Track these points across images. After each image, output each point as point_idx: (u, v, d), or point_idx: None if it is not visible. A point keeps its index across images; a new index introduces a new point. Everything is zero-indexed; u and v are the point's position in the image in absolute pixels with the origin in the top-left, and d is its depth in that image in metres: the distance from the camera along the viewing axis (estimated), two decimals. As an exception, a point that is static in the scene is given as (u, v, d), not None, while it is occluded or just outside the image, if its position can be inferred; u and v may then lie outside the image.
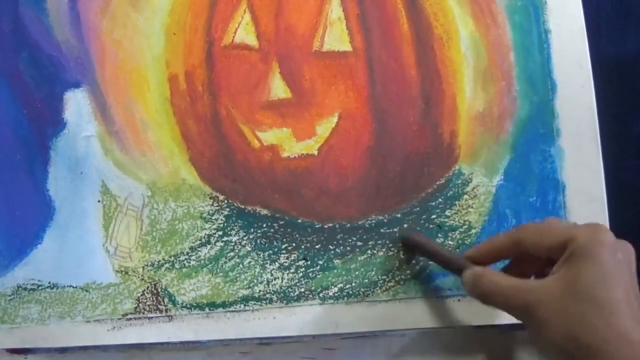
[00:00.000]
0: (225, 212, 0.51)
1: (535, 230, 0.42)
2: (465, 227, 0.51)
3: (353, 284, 0.51)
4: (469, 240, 0.51)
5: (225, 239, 0.51)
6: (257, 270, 0.51)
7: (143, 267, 0.51)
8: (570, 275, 0.38)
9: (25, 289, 0.52)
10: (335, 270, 0.51)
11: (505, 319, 0.50)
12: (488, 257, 0.45)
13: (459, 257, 0.46)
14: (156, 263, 0.51)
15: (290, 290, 0.51)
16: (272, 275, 0.51)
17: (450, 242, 0.51)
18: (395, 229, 0.51)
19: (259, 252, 0.51)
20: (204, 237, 0.51)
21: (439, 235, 0.51)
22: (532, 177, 0.51)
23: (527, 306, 0.39)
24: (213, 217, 0.51)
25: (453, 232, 0.51)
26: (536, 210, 0.51)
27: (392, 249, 0.51)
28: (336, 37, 0.52)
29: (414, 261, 0.51)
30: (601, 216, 0.50)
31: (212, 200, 0.51)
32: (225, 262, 0.51)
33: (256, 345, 0.51)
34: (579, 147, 0.50)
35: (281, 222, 0.51)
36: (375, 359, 0.52)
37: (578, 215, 0.50)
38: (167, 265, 0.51)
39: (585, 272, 0.38)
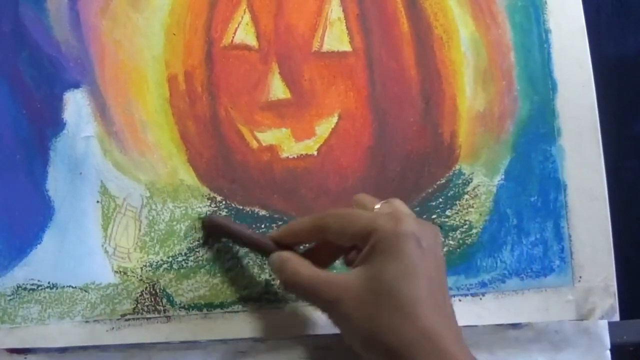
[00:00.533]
0: (224, 213, 0.51)
1: (340, 218, 0.40)
2: (466, 227, 0.51)
3: (352, 285, 0.50)
4: (470, 240, 0.51)
5: (223, 239, 0.51)
6: (255, 271, 0.51)
7: (142, 268, 0.51)
8: (371, 271, 0.37)
9: (24, 289, 0.52)
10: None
11: (507, 319, 0.50)
12: (291, 240, 0.43)
13: (264, 238, 0.45)
14: (154, 264, 0.51)
15: (288, 290, 0.50)
16: (270, 275, 0.50)
17: (451, 242, 0.51)
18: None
19: (258, 253, 0.51)
20: (202, 237, 0.51)
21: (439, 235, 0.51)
22: (533, 177, 0.51)
23: (329, 302, 0.37)
24: (212, 218, 0.51)
25: (454, 232, 0.51)
26: (537, 209, 0.50)
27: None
28: (336, 37, 0.52)
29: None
30: (602, 215, 0.49)
31: (210, 201, 0.51)
32: (223, 263, 0.51)
33: (253, 344, 0.51)
34: (580, 146, 0.50)
35: (280, 223, 0.51)
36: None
37: (579, 214, 0.50)
38: (165, 265, 0.51)
39: (386, 267, 0.36)
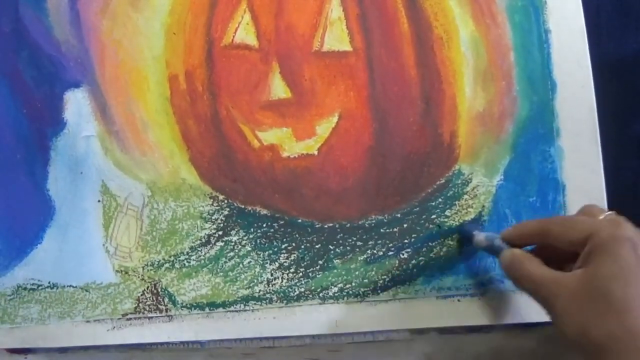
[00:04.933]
0: (225, 212, 0.51)
1: (562, 223, 0.43)
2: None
3: (353, 284, 0.51)
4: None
5: (225, 238, 0.51)
6: (257, 270, 0.51)
7: (143, 267, 0.51)
8: (589, 271, 0.39)
9: (25, 288, 0.52)
10: (335, 270, 0.51)
11: (505, 319, 0.50)
12: (518, 240, 0.45)
13: (493, 238, 0.47)
14: (156, 263, 0.51)
15: (290, 290, 0.51)
16: (272, 275, 0.51)
17: (451, 242, 0.51)
18: (395, 229, 0.51)
19: (259, 252, 0.51)
20: (204, 237, 0.51)
21: (440, 235, 0.51)
22: (532, 177, 0.51)
23: (549, 297, 0.40)
24: (213, 217, 0.51)
25: (453, 232, 0.51)
26: (536, 210, 0.51)
27: (392, 249, 0.51)
28: (336, 37, 0.52)
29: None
30: (601, 216, 0.50)
31: (212, 200, 0.51)
32: (225, 262, 0.51)
33: (261, 348, 0.51)
34: (579, 147, 0.50)
35: (281, 222, 0.51)
36: (379, 360, 0.53)
37: (578, 215, 0.50)
38: (167, 265, 0.51)
39: (603, 267, 0.38)
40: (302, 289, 0.51)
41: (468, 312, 0.50)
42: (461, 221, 0.51)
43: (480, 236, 0.48)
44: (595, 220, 0.42)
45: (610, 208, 0.49)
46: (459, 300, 0.50)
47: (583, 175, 0.50)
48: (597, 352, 0.37)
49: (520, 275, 0.43)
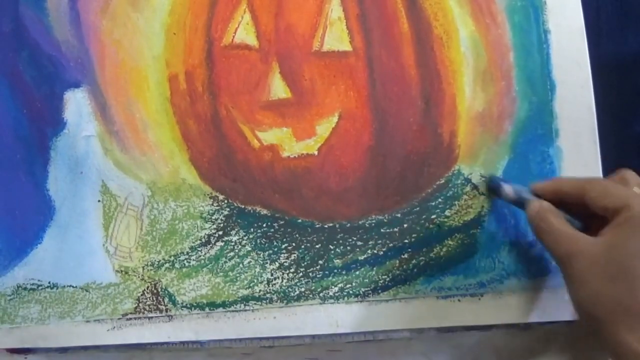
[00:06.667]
0: (226, 212, 0.51)
1: (600, 188, 0.42)
2: (465, 227, 0.51)
3: (353, 284, 0.51)
4: (469, 240, 0.51)
5: (225, 238, 0.51)
6: (257, 270, 0.51)
7: (143, 267, 0.51)
8: (616, 242, 0.39)
9: (25, 288, 0.52)
10: (336, 270, 0.51)
11: (505, 319, 0.50)
12: (551, 194, 0.46)
13: (524, 190, 0.48)
14: (156, 263, 0.51)
15: (290, 290, 0.51)
16: (272, 275, 0.51)
17: (450, 242, 0.51)
18: (395, 229, 0.51)
19: (259, 252, 0.51)
20: (204, 236, 0.51)
21: (440, 235, 0.51)
22: (531, 178, 0.51)
23: (569, 256, 0.40)
24: (213, 217, 0.51)
25: (453, 232, 0.51)
26: (536, 210, 0.51)
27: (392, 248, 0.51)
28: (336, 37, 0.52)
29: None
30: (600, 216, 0.50)
31: (212, 200, 0.51)
32: (225, 262, 0.51)
33: (259, 347, 0.51)
34: (578, 147, 0.51)
35: (281, 222, 0.51)
36: None
37: (577, 215, 0.50)
38: (167, 265, 0.51)
39: (631, 243, 0.38)
40: (303, 289, 0.51)
41: (468, 312, 0.50)
42: (461, 221, 0.51)
43: (508, 188, 0.48)
44: (634, 193, 0.41)
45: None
46: (459, 300, 0.50)
47: (582, 176, 0.50)
48: (605, 323, 0.37)
49: (545, 227, 0.43)
